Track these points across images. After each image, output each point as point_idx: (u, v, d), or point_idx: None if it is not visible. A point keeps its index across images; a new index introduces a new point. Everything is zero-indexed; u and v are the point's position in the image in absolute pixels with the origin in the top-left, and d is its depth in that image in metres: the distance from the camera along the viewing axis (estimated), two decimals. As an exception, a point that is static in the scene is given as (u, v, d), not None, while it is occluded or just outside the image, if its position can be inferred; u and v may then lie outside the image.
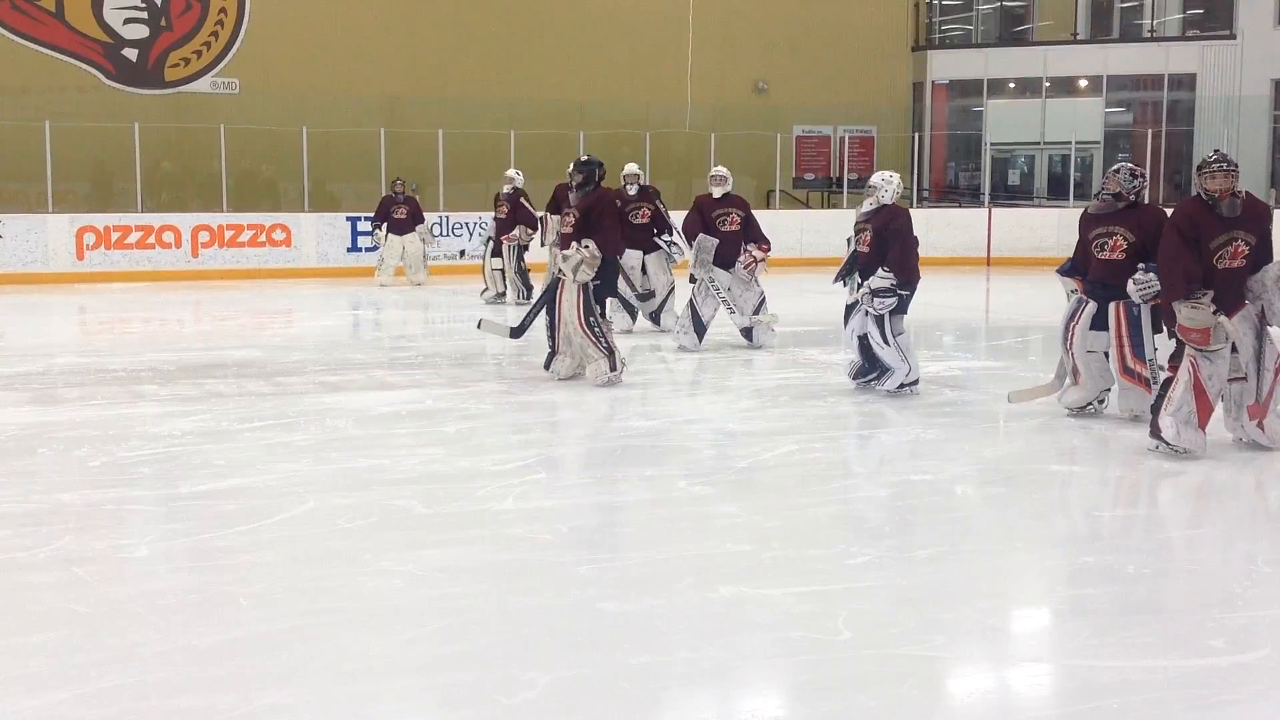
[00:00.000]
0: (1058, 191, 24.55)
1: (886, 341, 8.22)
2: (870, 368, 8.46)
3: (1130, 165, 7.52)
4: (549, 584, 4.60)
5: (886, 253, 8.18)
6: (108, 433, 7.27)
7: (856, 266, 8.41)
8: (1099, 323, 7.33)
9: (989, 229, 21.65)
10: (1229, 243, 6.43)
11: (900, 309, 8.23)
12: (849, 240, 8.60)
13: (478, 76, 22.98)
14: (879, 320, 8.20)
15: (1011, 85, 26.03)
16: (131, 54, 21.64)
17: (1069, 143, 24.10)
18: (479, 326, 9.82)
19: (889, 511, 5.75)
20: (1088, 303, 7.36)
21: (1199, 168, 6.53)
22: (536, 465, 6.59)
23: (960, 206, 24.33)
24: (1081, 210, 7.71)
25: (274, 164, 21.37)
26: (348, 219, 19.51)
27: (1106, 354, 7.44)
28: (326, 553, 5.00)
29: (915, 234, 8.26)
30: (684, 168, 23.90)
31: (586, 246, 8.67)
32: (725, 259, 10.53)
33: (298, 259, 19.31)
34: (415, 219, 17.29)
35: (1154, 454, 6.52)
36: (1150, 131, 23.74)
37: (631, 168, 12.13)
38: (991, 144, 25.23)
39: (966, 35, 27.20)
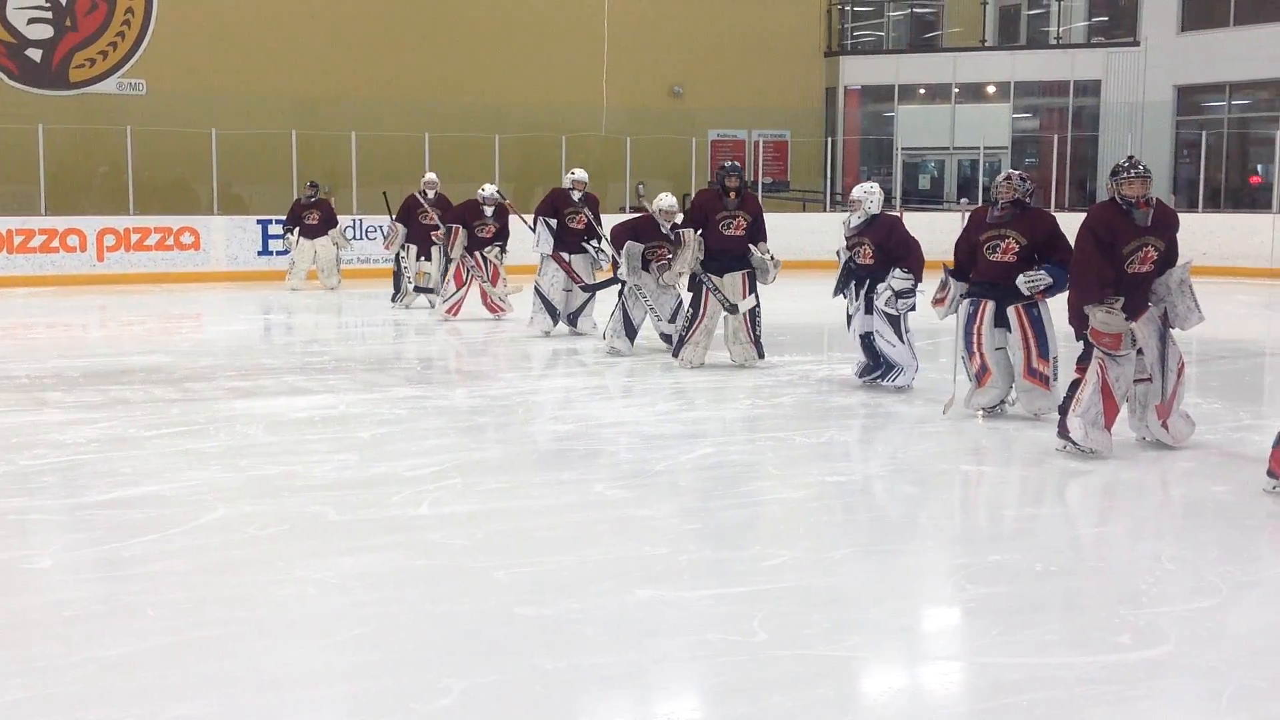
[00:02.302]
0: (967, 195, 24.92)
1: (901, 339, 8.54)
2: (875, 366, 8.75)
3: (1018, 172, 7.77)
4: (465, 589, 4.58)
5: (890, 261, 8.52)
6: (10, 441, 7.09)
7: (856, 276, 8.74)
8: (1000, 320, 7.51)
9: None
10: (1140, 248, 6.57)
11: (913, 308, 8.56)
12: (839, 253, 8.91)
13: (391, 79, 22.80)
14: (894, 320, 8.50)
15: (922, 91, 26.39)
16: (35, 54, 21.18)
17: (978, 148, 24.47)
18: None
19: (804, 513, 5.80)
20: (983, 303, 7.53)
21: (1114, 173, 6.67)
22: (452, 470, 6.55)
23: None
24: (968, 213, 7.92)
25: (182, 166, 21.02)
26: (258, 222, 19.27)
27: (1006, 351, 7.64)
28: (237, 561, 4.93)
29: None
30: (600, 171, 23.87)
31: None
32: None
33: (207, 263, 19.02)
34: (328, 223, 17.11)
35: (1061, 453, 6.64)
36: (1056, 137, 24.19)
37: (580, 174, 12.08)
38: (902, 148, 25.55)
39: (878, 41, 27.53)
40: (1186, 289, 6.55)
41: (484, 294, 13.25)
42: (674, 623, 4.23)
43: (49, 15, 21.21)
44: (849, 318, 8.88)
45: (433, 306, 13.81)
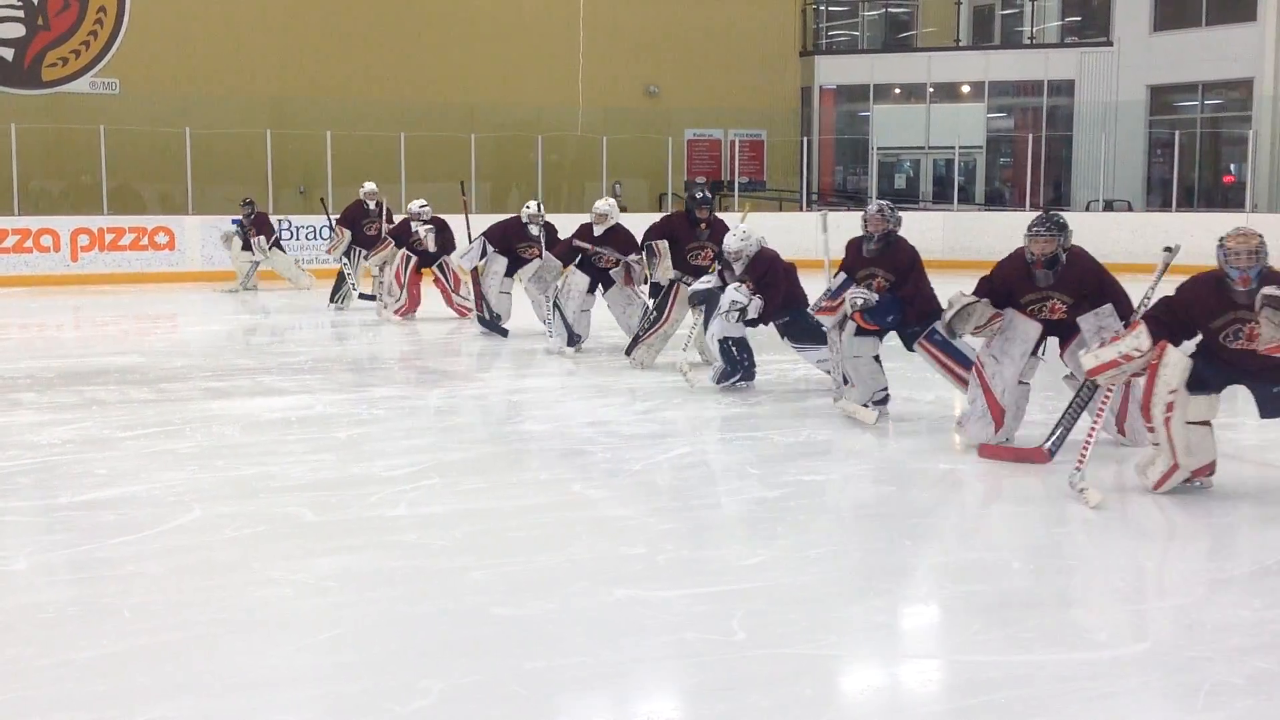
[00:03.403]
0: (942, 195, 25.02)
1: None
2: (733, 371, 8.69)
3: (886, 203, 7.88)
4: (442, 590, 4.57)
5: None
6: (-17, 442, 7.04)
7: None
8: (863, 330, 7.62)
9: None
10: (1042, 300, 6.68)
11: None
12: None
13: (366, 78, 22.73)
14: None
15: (897, 90, 26.47)
16: (7, 53, 21.03)
17: (952, 147, 24.56)
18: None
19: (781, 512, 5.80)
20: (843, 296, 7.63)
21: (1028, 227, 6.67)
22: (430, 470, 6.53)
23: (849, 209, 24.63)
24: (855, 242, 7.86)
25: (156, 166, 20.90)
26: (234, 222, 19.18)
27: (876, 358, 7.78)
28: (213, 562, 4.90)
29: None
30: (576, 170, 23.92)
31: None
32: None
33: (181, 263, 18.93)
34: (262, 232, 16.88)
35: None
36: (1031, 136, 24.30)
37: (531, 207, 11.88)
38: (878, 148, 25.62)
39: (853, 41, 27.59)
40: (1107, 335, 6.39)
41: (447, 298, 13.28)
42: (652, 622, 4.23)
43: (20, 14, 21.07)
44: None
45: (379, 315, 13.59)
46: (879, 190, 25.06)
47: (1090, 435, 5.98)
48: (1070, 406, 6.48)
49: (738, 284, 8.44)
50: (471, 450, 7.26)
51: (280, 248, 17.22)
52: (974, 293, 6.83)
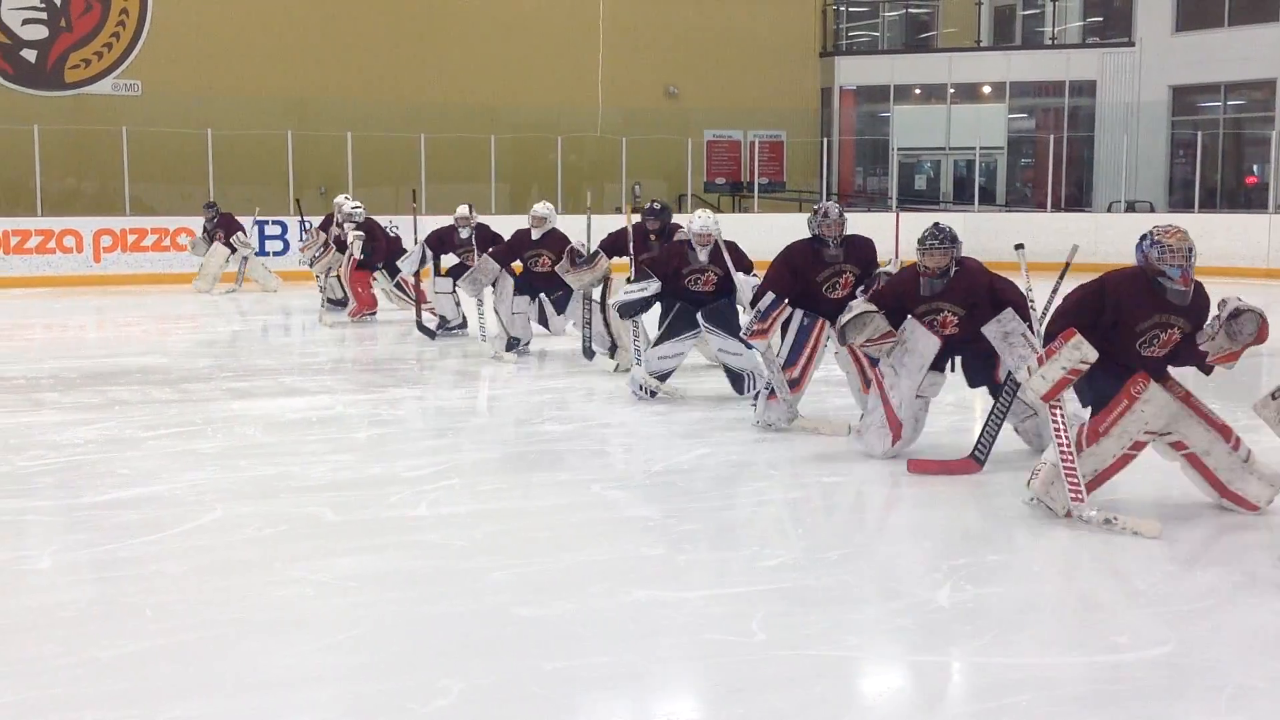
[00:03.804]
0: (963, 195, 24.94)
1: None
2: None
3: (837, 205, 7.65)
4: (462, 590, 4.57)
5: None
6: (8, 442, 7.08)
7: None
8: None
9: (897, 232, 21.92)
10: (934, 313, 6.52)
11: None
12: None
13: (387, 79, 22.79)
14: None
15: (917, 91, 26.41)
16: (30, 55, 21.16)
17: (973, 148, 24.49)
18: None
19: (801, 513, 5.80)
20: (821, 321, 7.37)
21: (919, 241, 6.54)
22: (450, 471, 6.55)
23: (869, 210, 24.61)
24: (803, 245, 7.58)
25: (178, 167, 20.98)
26: (255, 223, 19.25)
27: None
28: (235, 562, 4.92)
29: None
30: (595, 171, 23.92)
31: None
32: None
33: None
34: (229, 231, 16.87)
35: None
36: (1052, 137, 24.21)
37: (462, 210, 11.76)
38: (898, 149, 25.56)
39: (873, 42, 27.53)
40: (1015, 340, 6.31)
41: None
42: (672, 623, 4.22)
43: (44, 16, 21.19)
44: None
45: (321, 321, 13.49)
46: (899, 191, 25.01)
47: (1067, 460, 5.42)
48: (992, 413, 6.31)
49: (739, 272, 8.16)
50: (492, 451, 7.27)
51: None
52: (872, 298, 6.67)
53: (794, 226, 22.08)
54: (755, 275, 8.18)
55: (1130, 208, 23.18)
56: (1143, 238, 5.47)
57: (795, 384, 7.43)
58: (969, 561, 5.03)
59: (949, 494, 6.25)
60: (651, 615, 4.31)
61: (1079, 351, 5.28)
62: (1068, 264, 6.21)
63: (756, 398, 7.65)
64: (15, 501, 5.83)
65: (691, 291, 8.38)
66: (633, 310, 8.60)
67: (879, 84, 26.12)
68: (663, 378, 8.47)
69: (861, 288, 7.44)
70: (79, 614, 4.31)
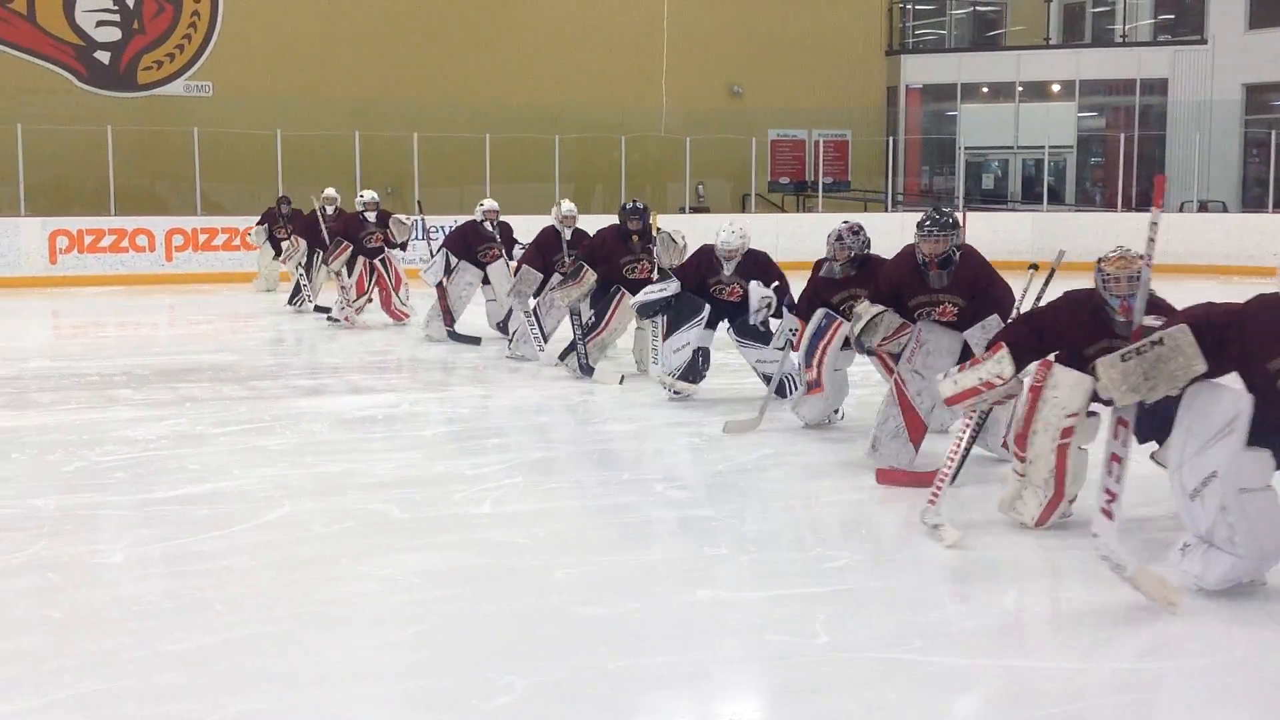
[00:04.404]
0: (1031, 195, 24.68)
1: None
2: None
3: (851, 224, 7.36)
4: (526, 588, 4.60)
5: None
6: (81, 437, 7.22)
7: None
8: (847, 344, 7.09)
9: (963, 232, 21.78)
10: (933, 304, 6.38)
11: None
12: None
13: (452, 80, 22.93)
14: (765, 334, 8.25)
15: (985, 90, 26.16)
16: (104, 56, 21.52)
17: (1042, 147, 24.22)
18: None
19: (865, 515, 5.77)
20: (837, 321, 7.16)
21: (917, 226, 6.42)
22: (514, 469, 6.58)
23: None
24: (826, 267, 7.35)
25: (248, 167, 21.25)
26: (418, 221, 19.40)
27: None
28: (302, 557, 4.98)
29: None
30: (659, 171, 23.93)
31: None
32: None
33: (273, 263, 19.20)
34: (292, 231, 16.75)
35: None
36: (1123, 136, 23.88)
37: (491, 204, 11.72)
38: (965, 148, 25.33)
39: (940, 40, 27.31)
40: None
41: (386, 300, 13.09)
42: (735, 624, 4.22)
43: (117, 18, 21.55)
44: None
45: (342, 320, 13.31)
46: (965, 191, 24.78)
47: (946, 471, 5.43)
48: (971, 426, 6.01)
49: (758, 282, 8.14)
50: (555, 449, 7.30)
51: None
52: (870, 297, 6.57)
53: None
54: (774, 287, 8.19)
55: (1203, 208, 22.82)
56: (1099, 260, 5.26)
57: (814, 385, 7.34)
58: (1039, 564, 4.98)
59: (1015, 496, 6.18)
60: (714, 615, 4.31)
61: (998, 366, 5.14)
62: (1054, 269, 6.10)
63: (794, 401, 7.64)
64: (89, 496, 5.94)
65: (718, 300, 8.36)
66: (652, 310, 8.57)
67: (946, 82, 25.90)
68: (684, 375, 8.37)
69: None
70: (150, 607, 4.38)
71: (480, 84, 23.02)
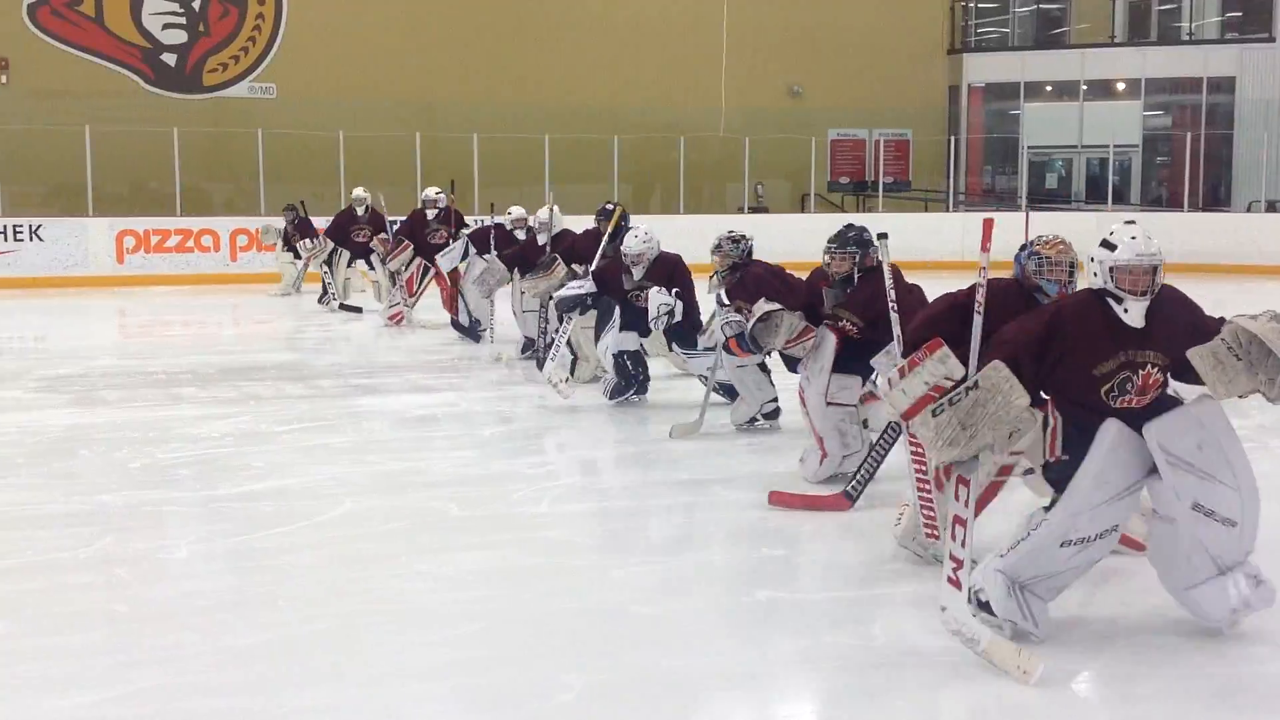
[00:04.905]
0: (1096, 195, 24.37)
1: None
2: (627, 386, 8.32)
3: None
4: (584, 587, 4.61)
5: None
6: (147, 435, 7.33)
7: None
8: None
9: (1026, 233, 21.51)
10: (835, 319, 6.14)
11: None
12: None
13: (512, 81, 23.02)
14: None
15: (1048, 88, 25.87)
16: (170, 59, 21.82)
17: (1107, 146, 23.92)
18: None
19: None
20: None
21: (827, 241, 6.17)
22: (572, 468, 6.60)
23: (997, 210, 24.22)
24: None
25: (311, 168, 21.45)
26: (493, 222, 19.52)
27: (762, 366, 7.31)
28: (362, 554, 5.03)
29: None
30: (718, 171, 23.88)
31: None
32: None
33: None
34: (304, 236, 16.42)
35: None
36: (1189, 135, 23.52)
37: (519, 211, 11.52)
38: (1028, 147, 25.07)
39: (1003, 38, 27.05)
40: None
41: (449, 299, 12.64)
42: (793, 624, 4.21)
43: (183, 21, 21.83)
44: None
45: (386, 321, 13.33)
46: (1029, 190, 24.52)
47: (924, 493, 4.81)
48: (874, 448, 5.71)
49: (660, 288, 7.92)
50: (612, 450, 7.32)
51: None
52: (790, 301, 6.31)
53: (921, 226, 21.77)
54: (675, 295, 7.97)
55: (1271, 207, 22.44)
56: (1022, 247, 4.90)
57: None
58: (1100, 570, 4.92)
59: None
60: (773, 616, 4.30)
61: (944, 366, 4.11)
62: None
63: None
64: (155, 493, 6.03)
65: (636, 307, 8.10)
66: (569, 305, 8.45)
67: (1009, 81, 25.64)
68: (622, 385, 8.25)
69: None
70: (215, 603, 4.44)
71: (540, 84, 23.10)
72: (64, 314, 14.94)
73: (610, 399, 8.33)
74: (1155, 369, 4.04)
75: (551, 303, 8.92)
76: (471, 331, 11.75)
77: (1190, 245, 18.13)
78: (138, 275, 18.39)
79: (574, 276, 9.04)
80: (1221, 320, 4.06)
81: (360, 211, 14.40)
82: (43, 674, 3.78)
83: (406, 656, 3.93)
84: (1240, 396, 4.00)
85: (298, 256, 16.28)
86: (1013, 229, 21.64)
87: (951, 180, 24.23)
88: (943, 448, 3.93)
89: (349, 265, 14.71)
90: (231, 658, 3.91)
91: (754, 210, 22.82)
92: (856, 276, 6.13)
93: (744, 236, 7.37)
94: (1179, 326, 4.05)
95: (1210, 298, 4.63)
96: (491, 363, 10.57)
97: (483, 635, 4.12)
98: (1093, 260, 4.13)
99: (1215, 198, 24.25)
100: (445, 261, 11.90)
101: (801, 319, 6.14)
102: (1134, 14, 26.58)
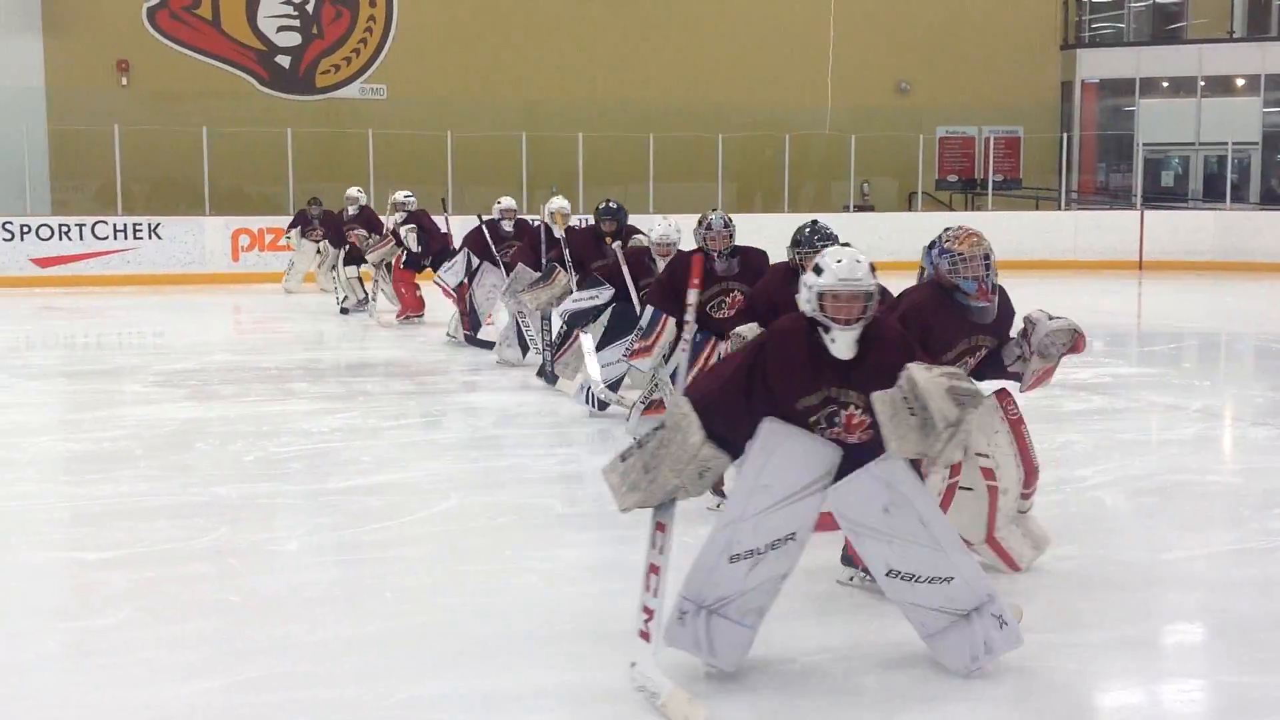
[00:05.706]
0: (1213, 193, 23.77)
1: None
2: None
3: (720, 215, 6.65)
4: (686, 585, 4.60)
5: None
6: (260, 429, 7.49)
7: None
8: None
9: (1141, 232, 21.08)
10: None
11: None
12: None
13: (616, 80, 23.11)
14: None
15: (1165, 84, 25.29)
16: (284, 61, 22.27)
17: (1225, 143, 23.31)
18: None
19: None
20: (715, 340, 6.45)
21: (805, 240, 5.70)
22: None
23: (1111, 209, 23.72)
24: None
25: (420, 168, 21.73)
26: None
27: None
28: (468, 549, 5.09)
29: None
30: (824, 170, 23.72)
31: None
32: None
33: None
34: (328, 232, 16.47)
35: None
36: (1312, 132, 22.85)
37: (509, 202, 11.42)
38: (1144, 144, 24.52)
39: (1118, 34, 26.49)
40: None
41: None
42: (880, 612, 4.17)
43: (296, 23, 22.27)
44: None
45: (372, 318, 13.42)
46: (1144, 188, 23.98)
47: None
48: None
49: (754, 324, 7.13)
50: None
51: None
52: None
53: (1031, 225, 21.38)
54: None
55: (1398, 205, 21.72)
56: (930, 244, 4.58)
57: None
58: (1210, 576, 4.80)
59: (1192, 505, 5.98)
60: (861, 605, 4.26)
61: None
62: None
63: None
64: (267, 485, 6.16)
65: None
66: (582, 320, 8.09)
67: (1124, 77, 25.10)
68: (614, 386, 7.87)
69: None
70: (323, 594, 4.52)
71: (644, 83, 23.15)
72: (181, 310, 15.33)
73: (591, 409, 7.96)
74: (858, 410, 3.69)
75: (556, 313, 8.62)
76: (489, 344, 10.92)
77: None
78: (252, 273, 18.81)
79: (585, 284, 8.52)
80: None
81: (353, 211, 14.61)
82: (164, 662, 3.88)
83: (511, 649, 3.97)
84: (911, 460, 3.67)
85: (318, 252, 16.68)
86: (1128, 228, 21.25)
87: (1064, 178, 23.80)
88: (625, 493, 3.77)
89: (353, 266, 14.82)
90: (341, 648, 3.98)
91: (859, 209, 22.62)
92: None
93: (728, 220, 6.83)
94: (886, 369, 3.64)
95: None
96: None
97: (587, 630, 4.14)
98: (804, 286, 3.75)
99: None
100: (450, 276, 11.34)
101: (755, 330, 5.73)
102: (1253, 8, 25.85)
